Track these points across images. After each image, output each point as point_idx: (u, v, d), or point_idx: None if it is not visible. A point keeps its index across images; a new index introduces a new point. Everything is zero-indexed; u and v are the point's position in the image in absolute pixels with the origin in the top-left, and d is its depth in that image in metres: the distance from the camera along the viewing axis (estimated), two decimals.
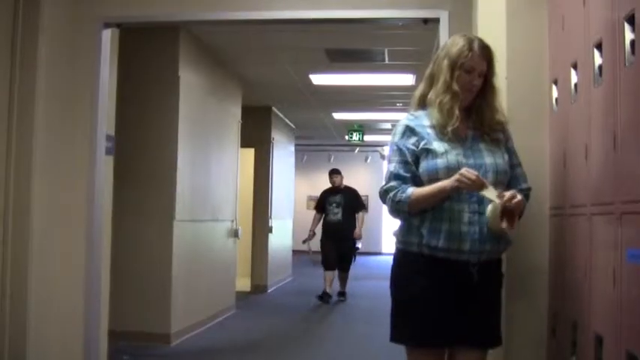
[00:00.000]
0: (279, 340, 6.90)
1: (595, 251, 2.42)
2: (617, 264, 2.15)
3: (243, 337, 7.03)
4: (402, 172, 2.68)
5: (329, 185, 10.23)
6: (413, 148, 2.69)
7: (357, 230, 9.85)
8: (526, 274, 3.09)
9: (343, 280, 10.04)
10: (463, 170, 2.53)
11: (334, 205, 9.88)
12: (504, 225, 2.52)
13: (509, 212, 2.52)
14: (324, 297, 9.58)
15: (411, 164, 2.69)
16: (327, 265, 9.79)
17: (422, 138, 2.69)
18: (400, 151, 2.71)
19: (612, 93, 2.23)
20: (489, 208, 2.53)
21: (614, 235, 2.18)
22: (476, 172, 2.52)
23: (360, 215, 9.94)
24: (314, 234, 10.12)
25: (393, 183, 2.68)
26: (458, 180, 2.52)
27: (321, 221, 10.10)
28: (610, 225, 2.22)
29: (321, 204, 10.10)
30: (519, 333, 3.02)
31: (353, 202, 9.95)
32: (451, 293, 2.62)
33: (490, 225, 2.57)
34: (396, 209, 2.67)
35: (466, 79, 2.67)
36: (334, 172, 10.09)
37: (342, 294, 9.98)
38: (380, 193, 2.72)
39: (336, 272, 9.88)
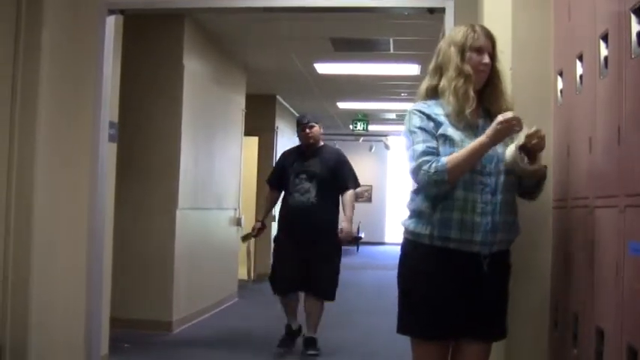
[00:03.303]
0: (282, 328, 6.90)
1: (598, 244, 2.41)
2: (619, 257, 2.14)
3: (245, 326, 7.04)
4: (431, 148, 2.62)
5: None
6: (433, 131, 2.66)
7: (345, 224, 5.60)
8: (528, 266, 3.08)
9: (314, 314, 5.63)
10: (499, 117, 2.52)
11: (304, 176, 5.57)
12: (525, 160, 2.53)
13: (528, 152, 2.54)
14: (289, 335, 5.77)
15: (437, 143, 2.64)
16: (279, 285, 5.68)
17: (439, 124, 2.66)
18: (424, 130, 2.65)
19: (617, 85, 2.21)
20: (511, 147, 2.54)
21: (618, 228, 2.17)
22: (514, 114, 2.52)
23: (348, 197, 5.66)
24: (263, 226, 6.05)
25: (425, 157, 2.59)
26: (500, 123, 2.49)
27: (279, 205, 5.91)
28: (613, 218, 2.21)
29: (280, 174, 5.81)
30: (521, 325, 3.01)
31: (337, 173, 5.65)
32: (460, 286, 2.61)
33: (507, 163, 2.57)
34: (435, 180, 2.56)
35: (477, 60, 2.67)
36: (305, 121, 5.74)
37: (310, 343, 5.63)
38: (412, 170, 2.61)
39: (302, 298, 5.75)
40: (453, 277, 2.61)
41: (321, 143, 5.79)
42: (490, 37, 2.73)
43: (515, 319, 2.86)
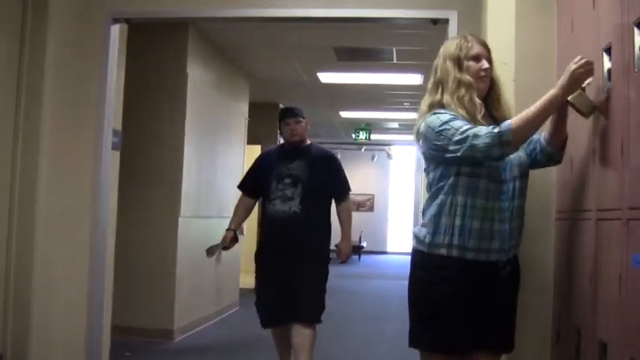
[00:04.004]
0: None
1: (601, 257, 2.41)
2: (623, 270, 2.14)
3: (247, 334, 7.02)
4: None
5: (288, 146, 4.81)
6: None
7: (344, 243, 4.72)
8: (530, 278, 3.07)
9: (305, 346, 4.36)
10: (571, 65, 2.41)
11: (287, 181, 4.55)
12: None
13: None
14: None
15: None
16: (264, 316, 4.60)
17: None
18: (460, 119, 2.55)
19: (621, 98, 2.21)
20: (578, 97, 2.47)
21: (620, 241, 2.16)
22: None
23: (345, 210, 4.73)
24: (235, 238, 4.84)
25: (480, 127, 2.50)
26: (574, 71, 2.39)
27: (259, 215, 5.22)
28: (616, 231, 2.20)
29: (257, 178, 4.78)
30: (523, 338, 3.00)
31: (329, 177, 4.66)
32: (476, 297, 2.57)
33: (585, 109, 2.49)
34: (499, 141, 2.42)
35: (476, 67, 2.66)
36: (289, 114, 4.78)
37: None
38: (470, 140, 2.45)
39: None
40: (469, 288, 2.57)
41: (308, 141, 4.80)
42: (484, 45, 2.73)
43: (518, 332, 2.85)
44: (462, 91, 2.62)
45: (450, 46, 2.72)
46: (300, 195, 4.50)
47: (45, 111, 4.34)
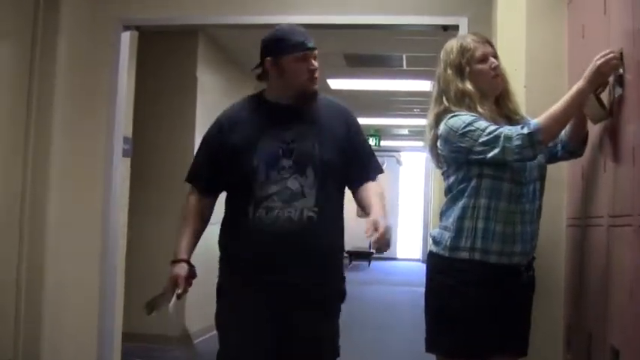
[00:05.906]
0: None
1: (612, 263, 2.40)
2: (634, 276, 2.13)
3: None
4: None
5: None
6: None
7: (374, 216, 2.41)
8: (541, 284, 3.06)
9: None
10: (598, 60, 2.32)
11: (286, 163, 2.54)
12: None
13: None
14: None
15: None
16: None
17: None
18: (482, 119, 2.49)
19: (632, 104, 2.21)
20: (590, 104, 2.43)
21: (632, 248, 2.15)
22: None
23: (375, 187, 2.69)
24: (191, 273, 2.83)
25: (507, 127, 2.45)
26: (599, 66, 2.30)
27: (225, 226, 2.90)
28: (628, 237, 2.19)
29: (220, 162, 2.72)
30: (535, 344, 2.99)
31: (353, 150, 2.68)
32: (497, 303, 2.54)
33: (593, 116, 2.48)
34: (531, 143, 2.38)
35: (487, 69, 2.59)
36: (304, 41, 2.82)
37: None
38: (501, 142, 2.39)
39: None
40: (491, 292, 2.53)
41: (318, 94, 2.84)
42: (487, 42, 2.65)
43: (529, 338, 2.84)
44: (467, 100, 2.56)
45: (449, 53, 2.63)
46: (315, 187, 2.56)
47: (55, 118, 4.36)
